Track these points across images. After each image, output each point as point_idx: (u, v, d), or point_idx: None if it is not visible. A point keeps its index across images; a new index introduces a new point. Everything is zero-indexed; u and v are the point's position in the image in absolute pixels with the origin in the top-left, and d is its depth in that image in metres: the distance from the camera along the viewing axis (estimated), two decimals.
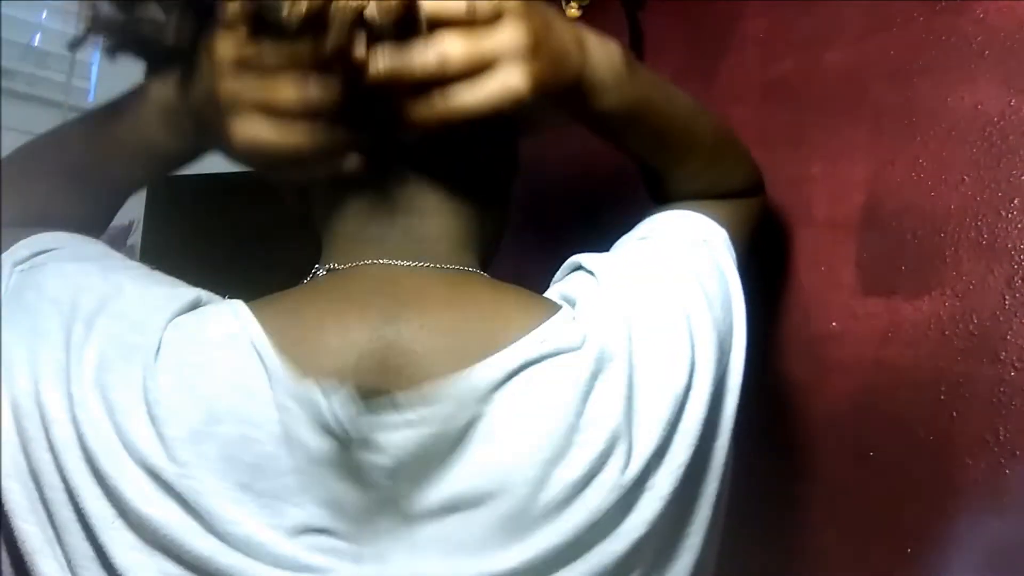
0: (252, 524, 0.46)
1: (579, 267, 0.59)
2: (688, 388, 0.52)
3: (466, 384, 0.48)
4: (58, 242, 0.55)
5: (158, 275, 0.55)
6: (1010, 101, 0.62)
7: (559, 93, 0.53)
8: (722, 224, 0.64)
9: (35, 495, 0.47)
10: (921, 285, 0.66)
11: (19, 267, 0.53)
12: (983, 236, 0.62)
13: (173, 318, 0.50)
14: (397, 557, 0.48)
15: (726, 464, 0.55)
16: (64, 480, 0.46)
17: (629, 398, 0.50)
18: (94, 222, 0.63)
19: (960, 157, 0.65)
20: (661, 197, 0.68)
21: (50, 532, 0.46)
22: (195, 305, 0.52)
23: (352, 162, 0.52)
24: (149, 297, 0.51)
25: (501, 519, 0.49)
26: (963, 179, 0.64)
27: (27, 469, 0.47)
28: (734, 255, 0.61)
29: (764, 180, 0.73)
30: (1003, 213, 0.61)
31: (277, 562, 0.46)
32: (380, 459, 0.47)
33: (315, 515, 0.48)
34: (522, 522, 0.49)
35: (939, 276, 0.65)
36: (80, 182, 0.61)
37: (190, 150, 0.59)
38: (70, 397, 0.47)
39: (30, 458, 0.47)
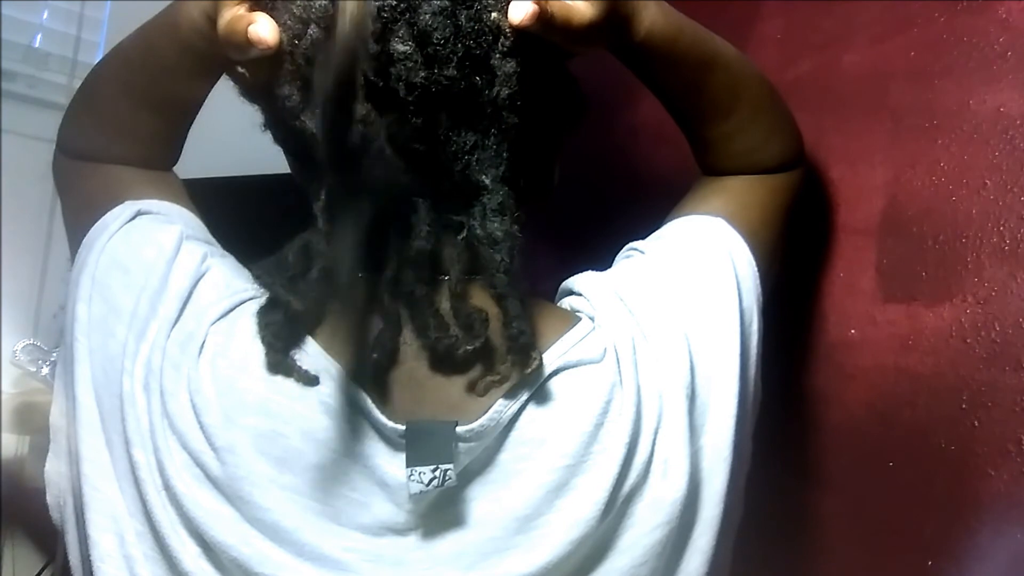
0: (279, 513, 0.49)
1: (572, 291, 0.62)
2: (691, 397, 0.55)
3: (503, 405, 0.51)
4: (164, 209, 0.60)
5: (239, 267, 0.59)
6: None
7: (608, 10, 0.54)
8: (763, 211, 0.66)
9: (108, 458, 0.52)
10: (942, 291, 0.65)
11: (141, 216, 0.59)
12: (1005, 241, 0.61)
13: (223, 316, 0.54)
14: (415, 558, 0.51)
15: (733, 463, 0.56)
16: (127, 448, 0.51)
17: (639, 409, 0.53)
18: (165, 138, 0.66)
19: (982, 160, 0.63)
20: (707, 163, 0.69)
21: (115, 492, 0.52)
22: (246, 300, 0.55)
23: None
24: (215, 290, 0.55)
25: (519, 523, 0.51)
26: (985, 183, 0.63)
27: (103, 436, 0.52)
28: (753, 265, 0.62)
29: (804, 145, 0.72)
30: None
31: (300, 552, 0.49)
32: (424, 475, 0.49)
33: (337, 512, 0.50)
34: (539, 528, 0.51)
35: (960, 282, 0.64)
36: (139, 97, 0.63)
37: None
38: (144, 373, 0.52)
39: (106, 426, 0.52)
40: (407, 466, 0.49)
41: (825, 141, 0.77)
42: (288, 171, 0.61)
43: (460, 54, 0.50)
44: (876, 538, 0.69)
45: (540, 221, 0.64)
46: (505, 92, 0.51)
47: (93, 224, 0.59)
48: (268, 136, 0.58)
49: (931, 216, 0.67)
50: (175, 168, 0.67)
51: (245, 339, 0.52)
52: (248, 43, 0.50)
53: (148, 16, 0.62)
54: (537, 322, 0.54)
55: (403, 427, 0.50)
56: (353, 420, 0.51)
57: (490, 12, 0.51)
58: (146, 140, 0.64)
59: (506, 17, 0.50)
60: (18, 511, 1.13)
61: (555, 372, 0.53)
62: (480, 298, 0.53)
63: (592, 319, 0.57)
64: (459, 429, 0.50)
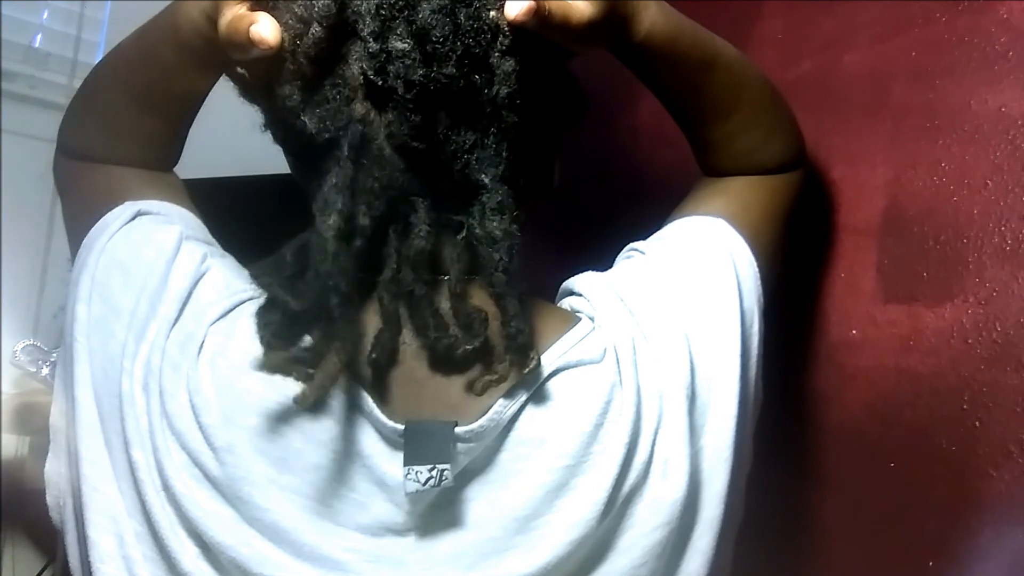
0: (278, 513, 0.49)
1: (572, 292, 0.62)
2: (691, 398, 0.55)
3: (503, 405, 0.51)
4: (164, 209, 0.60)
5: (238, 267, 0.59)
6: None
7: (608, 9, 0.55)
8: (763, 211, 0.66)
9: (107, 459, 0.52)
10: (943, 292, 0.65)
11: (141, 217, 0.59)
12: (1007, 242, 0.61)
13: (222, 316, 0.54)
14: (414, 558, 0.51)
15: (733, 464, 0.56)
16: (126, 448, 0.51)
17: (638, 409, 0.53)
18: (165, 138, 0.66)
19: (983, 161, 0.63)
20: (708, 163, 0.69)
21: (113, 491, 0.51)
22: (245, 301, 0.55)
23: None
24: (215, 290, 0.55)
25: (518, 523, 0.51)
26: (986, 183, 0.63)
27: (103, 437, 0.52)
28: (754, 265, 0.62)
29: (806, 146, 0.72)
30: None
31: (299, 552, 0.49)
32: (421, 474, 0.49)
33: (337, 512, 0.50)
34: (539, 528, 0.51)
35: (961, 283, 0.64)
36: (139, 97, 0.63)
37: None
38: (144, 373, 0.52)
39: (105, 427, 0.52)
40: (404, 464, 0.49)
41: (826, 141, 0.76)
42: (288, 171, 0.61)
43: (459, 52, 0.50)
44: (876, 538, 0.69)
45: (540, 221, 0.63)
46: (504, 91, 0.51)
47: (93, 224, 0.59)
48: (268, 136, 0.58)
49: (932, 216, 0.67)
50: (175, 168, 0.67)
51: (244, 339, 0.52)
52: (250, 43, 0.50)
53: (148, 16, 0.62)
54: (537, 322, 0.54)
55: (402, 426, 0.50)
56: (352, 420, 0.50)
57: (489, 10, 0.51)
58: (146, 140, 0.64)
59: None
60: (18, 511, 1.13)
61: (555, 372, 0.53)
62: (479, 298, 0.53)
63: (592, 319, 0.57)
64: (458, 429, 0.50)
